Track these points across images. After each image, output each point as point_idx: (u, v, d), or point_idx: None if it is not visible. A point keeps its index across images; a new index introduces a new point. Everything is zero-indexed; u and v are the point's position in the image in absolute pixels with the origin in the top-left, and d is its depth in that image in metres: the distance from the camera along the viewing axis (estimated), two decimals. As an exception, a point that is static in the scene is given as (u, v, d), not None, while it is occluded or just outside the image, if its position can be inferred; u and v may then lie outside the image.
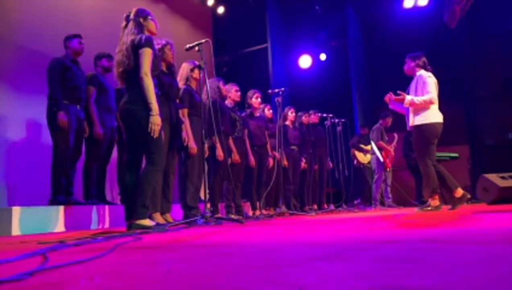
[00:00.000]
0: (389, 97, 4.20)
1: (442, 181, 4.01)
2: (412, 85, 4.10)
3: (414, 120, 4.00)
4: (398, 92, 4.09)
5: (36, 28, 4.70)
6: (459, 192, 3.93)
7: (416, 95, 4.00)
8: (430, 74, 4.02)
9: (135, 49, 2.65)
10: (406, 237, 1.54)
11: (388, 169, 6.57)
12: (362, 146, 6.99)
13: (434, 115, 3.94)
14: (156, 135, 2.62)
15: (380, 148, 6.51)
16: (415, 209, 4.46)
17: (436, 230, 1.82)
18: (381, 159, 6.49)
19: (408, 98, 3.98)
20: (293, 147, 5.69)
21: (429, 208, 3.97)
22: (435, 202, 3.98)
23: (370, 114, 8.07)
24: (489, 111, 7.52)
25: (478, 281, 0.69)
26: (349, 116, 7.44)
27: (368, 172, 7.00)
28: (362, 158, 6.99)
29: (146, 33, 2.76)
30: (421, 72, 4.05)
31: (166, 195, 3.54)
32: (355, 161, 7.09)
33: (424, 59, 4.11)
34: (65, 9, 5.11)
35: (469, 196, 3.95)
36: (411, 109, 4.04)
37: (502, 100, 7.53)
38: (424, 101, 3.90)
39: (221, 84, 4.14)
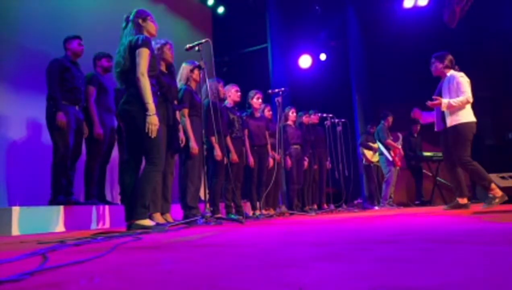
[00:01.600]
0: (416, 112, 4.21)
1: (456, 183, 4.00)
2: (445, 87, 4.01)
3: (451, 120, 3.91)
4: (434, 97, 3.98)
5: (36, 28, 4.70)
6: (464, 201, 3.93)
7: (450, 96, 3.92)
8: (462, 73, 3.96)
9: (132, 49, 2.65)
10: (406, 237, 1.54)
11: (396, 168, 6.57)
12: (370, 144, 6.98)
13: (469, 114, 3.89)
14: (153, 135, 2.62)
15: (389, 147, 6.51)
16: (443, 207, 4.41)
17: (436, 230, 1.82)
18: (390, 158, 6.49)
19: (445, 101, 3.89)
20: (295, 146, 5.69)
21: (496, 201, 3.69)
22: (496, 192, 3.70)
23: (370, 114, 8.07)
24: (489, 111, 7.51)
25: (478, 281, 0.68)
26: (349, 116, 7.43)
27: (375, 171, 6.99)
28: (371, 156, 6.99)
29: (145, 34, 2.77)
30: (452, 72, 3.99)
31: (165, 195, 3.54)
32: (364, 160, 7.09)
33: (450, 57, 4.04)
34: (65, 10, 5.11)
35: (469, 208, 3.93)
36: (446, 111, 3.95)
37: (502, 100, 7.53)
38: (461, 102, 3.84)
39: (220, 86, 4.14)
